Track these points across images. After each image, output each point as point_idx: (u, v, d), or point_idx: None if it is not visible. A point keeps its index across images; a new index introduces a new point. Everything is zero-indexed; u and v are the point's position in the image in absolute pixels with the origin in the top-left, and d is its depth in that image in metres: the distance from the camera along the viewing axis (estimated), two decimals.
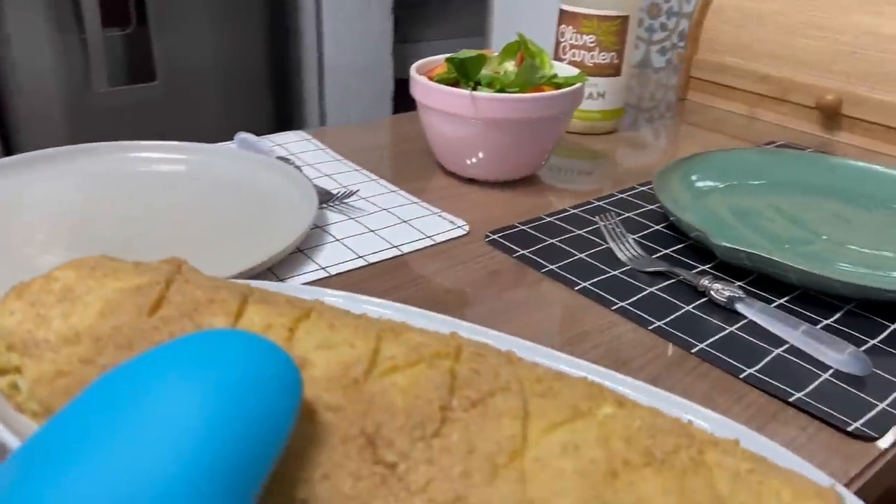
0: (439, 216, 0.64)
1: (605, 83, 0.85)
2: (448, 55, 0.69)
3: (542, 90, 0.68)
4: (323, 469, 0.26)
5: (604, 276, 0.56)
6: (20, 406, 0.30)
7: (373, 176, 0.72)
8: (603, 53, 0.83)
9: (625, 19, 0.82)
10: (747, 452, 0.29)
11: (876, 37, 0.86)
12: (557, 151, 0.84)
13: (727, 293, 0.52)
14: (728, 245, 0.54)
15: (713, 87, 1.02)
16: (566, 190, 0.74)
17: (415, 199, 0.67)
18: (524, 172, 0.73)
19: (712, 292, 0.53)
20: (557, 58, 0.86)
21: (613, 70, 0.85)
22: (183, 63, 1.91)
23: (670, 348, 0.48)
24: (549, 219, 0.65)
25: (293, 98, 2.24)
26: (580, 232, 0.63)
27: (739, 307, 0.51)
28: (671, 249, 0.61)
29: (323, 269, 0.54)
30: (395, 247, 0.58)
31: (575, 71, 0.73)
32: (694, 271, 0.57)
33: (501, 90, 0.66)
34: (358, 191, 0.67)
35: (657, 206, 0.68)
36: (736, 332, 0.50)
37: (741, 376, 0.45)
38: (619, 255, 0.59)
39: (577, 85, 0.69)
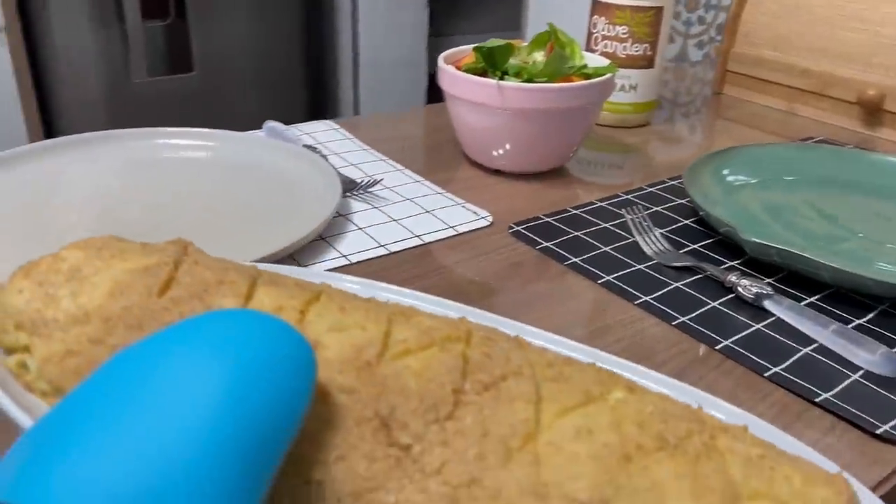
0: (463, 207, 0.64)
1: (637, 75, 0.84)
2: (476, 45, 0.68)
3: (572, 81, 0.67)
4: (338, 451, 0.26)
5: (628, 270, 0.55)
6: (29, 385, 0.30)
7: (398, 166, 0.72)
8: (636, 45, 0.82)
9: (659, 10, 0.80)
10: (756, 438, 0.29)
11: None
12: (587, 144, 0.83)
13: (755, 290, 0.51)
14: (758, 241, 0.53)
15: (750, 82, 0.99)
16: (594, 183, 0.72)
17: (439, 190, 0.67)
18: (551, 164, 0.72)
19: (739, 288, 0.51)
20: (589, 49, 0.84)
21: (646, 62, 0.83)
22: (220, 54, 1.93)
23: (702, 349, 0.47)
24: (574, 211, 0.64)
25: (327, 90, 2.25)
26: (606, 225, 0.62)
27: (767, 304, 0.50)
28: (699, 244, 0.59)
29: (344, 256, 0.54)
30: (417, 236, 0.58)
31: (605, 62, 0.72)
32: (722, 267, 0.55)
33: (529, 80, 0.65)
34: (382, 180, 0.67)
35: (687, 201, 0.67)
36: (763, 329, 0.48)
37: (766, 374, 0.44)
38: (646, 248, 0.58)
39: (607, 76, 0.68)
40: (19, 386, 0.30)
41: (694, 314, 0.50)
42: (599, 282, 0.53)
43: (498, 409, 0.27)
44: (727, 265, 0.56)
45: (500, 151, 0.70)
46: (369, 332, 0.30)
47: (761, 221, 0.62)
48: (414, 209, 0.62)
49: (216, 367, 0.23)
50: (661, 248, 0.58)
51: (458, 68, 0.69)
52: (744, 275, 0.53)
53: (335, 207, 0.57)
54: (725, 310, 0.50)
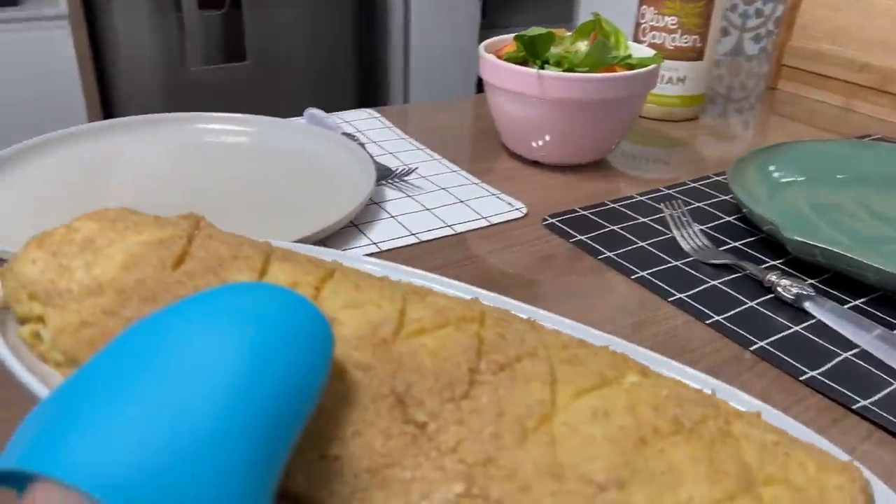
0: (497, 197, 0.63)
1: (685, 67, 0.81)
2: (517, 33, 0.67)
3: (615, 71, 0.66)
4: (354, 427, 0.26)
5: (664, 266, 0.54)
6: (43, 355, 0.31)
7: (435, 155, 0.71)
8: (685, 36, 0.80)
9: (710, 1, 0.78)
10: (770, 425, 0.29)
11: None
12: (631, 137, 0.81)
13: (795, 290, 0.49)
14: (801, 239, 0.51)
15: (806, 76, 0.96)
16: (636, 177, 0.71)
17: (475, 180, 0.66)
18: (592, 157, 0.71)
19: (779, 288, 0.49)
20: (637, 40, 0.82)
21: (695, 54, 0.81)
22: (272, 44, 1.96)
23: (747, 353, 0.45)
24: (612, 205, 0.63)
25: (378, 81, 2.26)
26: (644, 220, 0.61)
27: (808, 306, 0.48)
28: (740, 242, 0.57)
29: (374, 244, 0.54)
30: (449, 226, 0.57)
31: (651, 52, 0.70)
32: (762, 266, 0.53)
33: (570, 69, 0.64)
34: (416, 168, 0.66)
35: (730, 198, 0.65)
36: (801, 331, 0.46)
37: (802, 378, 0.42)
38: (683, 245, 0.56)
39: (651, 67, 0.66)
40: (33, 356, 0.31)
41: (729, 313, 0.48)
42: (633, 277, 0.52)
43: (514, 389, 0.27)
44: (768, 264, 0.54)
45: (540, 143, 0.69)
46: (385, 310, 0.30)
47: (807, 220, 0.60)
48: (448, 199, 0.62)
49: (234, 339, 0.23)
50: (700, 244, 0.56)
51: (500, 57, 0.68)
52: (785, 275, 0.51)
53: (368, 195, 0.57)
54: (763, 310, 0.48)
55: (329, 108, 0.82)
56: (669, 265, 0.54)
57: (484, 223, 0.58)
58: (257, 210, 0.57)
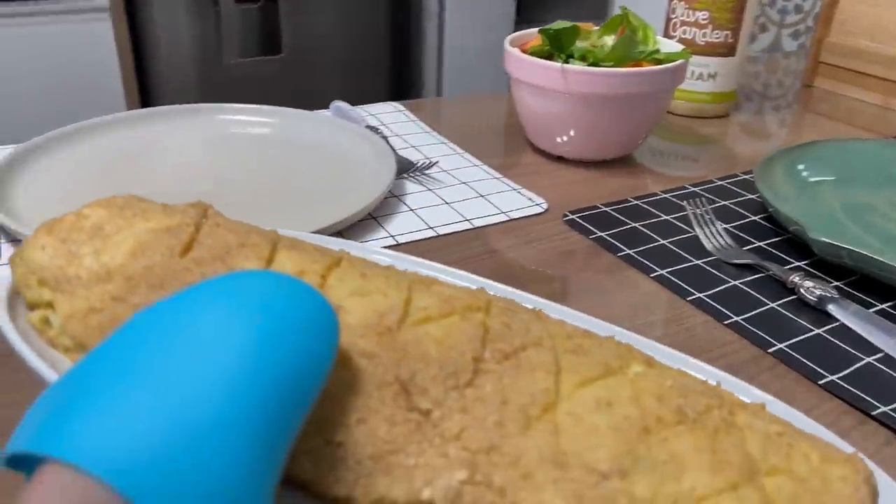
0: (519, 193, 0.62)
1: (716, 63, 0.80)
2: (542, 27, 0.66)
3: (641, 66, 0.65)
4: (359, 414, 0.26)
5: (685, 264, 0.53)
6: (52, 341, 0.31)
7: (458, 149, 0.71)
8: (716, 31, 0.78)
9: None
10: (774, 416, 0.29)
11: None
12: (659, 133, 0.80)
13: (819, 292, 0.47)
14: (827, 240, 0.49)
15: (844, 74, 0.93)
16: (662, 174, 0.70)
17: (497, 175, 0.66)
18: (617, 153, 0.70)
19: (802, 290, 0.48)
20: (667, 35, 0.81)
21: (727, 49, 0.79)
22: (307, 38, 1.97)
23: (766, 355, 0.44)
24: (635, 202, 0.62)
25: (412, 77, 2.26)
26: (667, 217, 0.60)
27: (831, 308, 0.47)
28: (765, 242, 0.56)
29: (392, 236, 0.54)
30: (468, 220, 0.57)
31: (679, 48, 0.69)
32: (786, 267, 0.52)
33: (594, 64, 0.63)
34: (437, 162, 0.66)
35: (757, 196, 0.63)
36: (823, 334, 0.45)
37: (821, 382, 0.41)
38: (706, 243, 0.55)
39: (679, 62, 0.65)
40: (42, 341, 0.31)
41: (749, 314, 0.47)
42: (652, 275, 0.51)
43: (518, 378, 0.27)
44: (792, 265, 0.53)
45: (564, 138, 0.68)
46: (390, 299, 0.30)
47: (837, 221, 0.58)
48: (468, 193, 0.62)
49: (241, 325, 0.23)
50: (723, 243, 0.55)
51: (525, 52, 0.67)
52: (809, 276, 0.49)
53: (387, 188, 0.57)
54: (785, 312, 0.47)
55: (362, 102, 0.82)
56: (690, 264, 0.53)
57: (503, 218, 0.58)
58: (276, 200, 0.57)
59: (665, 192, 0.64)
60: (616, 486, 0.24)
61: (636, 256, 0.53)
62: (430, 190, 0.62)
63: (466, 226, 0.57)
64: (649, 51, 0.66)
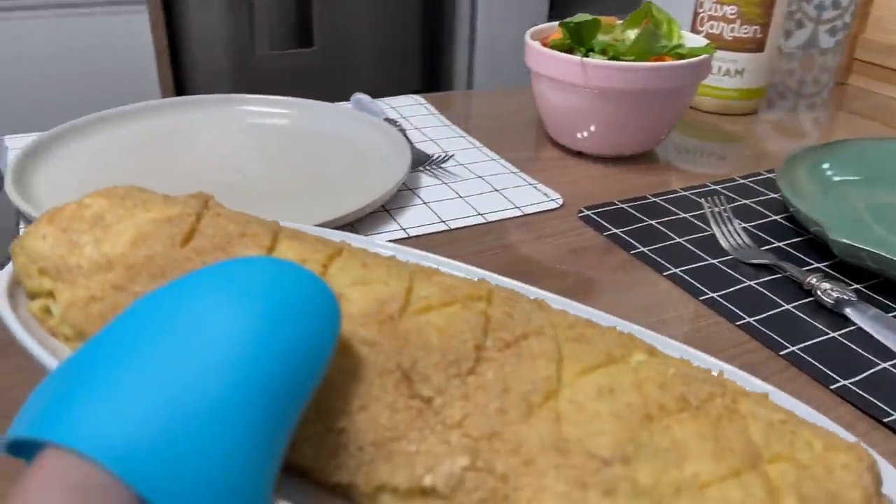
0: (535, 188, 0.62)
1: (744, 59, 0.78)
2: (563, 20, 0.65)
3: (663, 61, 0.64)
4: (360, 401, 0.26)
5: (699, 263, 0.52)
6: (53, 330, 0.31)
7: (477, 143, 0.71)
8: (745, 26, 0.76)
9: None
10: (777, 405, 0.29)
11: None
12: (684, 130, 0.78)
13: (836, 295, 0.46)
14: (847, 242, 0.48)
15: (880, 71, 0.90)
16: (684, 171, 0.68)
17: (514, 170, 0.65)
18: (638, 149, 0.69)
19: (819, 292, 0.47)
20: (695, 30, 0.79)
21: (755, 45, 0.77)
22: (339, 30, 1.98)
23: (778, 357, 0.43)
24: (654, 199, 0.61)
25: (443, 70, 2.25)
26: (685, 215, 0.58)
27: (849, 311, 0.45)
28: (785, 242, 0.55)
29: (403, 229, 0.54)
30: (481, 214, 0.57)
31: (703, 42, 0.67)
32: (805, 268, 0.51)
33: (615, 58, 0.62)
34: (453, 155, 0.66)
35: (779, 196, 0.62)
36: (838, 338, 0.44)
37: (832, 387, 0.40)
38: (722, 242, 0.54)
39: (702, 57, 0.63)
40: (43, 330, 0.31)
41: (762, 315, 0.46)
42: (665, 274, 0.50)
43: (519, 366, 0.27)
44: (811, 267, 0.51)
45: (585, 134, 0.67)
46: (392, 288, 0.30)
47: (861, 222, 0.56)
48: (483, 187, 0.61)
49: (241, 310, 0.23)
50: (741, 242, 0.54)
51: (545, 45, 0.67)
52: (828, 278, 0.48)
53: (400, 180, 0.56)
54: (800, 314, 0.46)
55: (393, 95, 0.82)
56: (705, 263, 0.52)
57: (517, 213, 0.58)
58: (289, 190, 0.58)
59: (685, 189, 0.63)
60: (618, 473, 0.24)
61: (650, 254, 0.53)
62: (444, 183, 0.61)
63: (479, 220, 0.56)
64: (672, 45, 0.64)
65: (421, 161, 0.64)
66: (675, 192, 0.63)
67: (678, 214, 0.59)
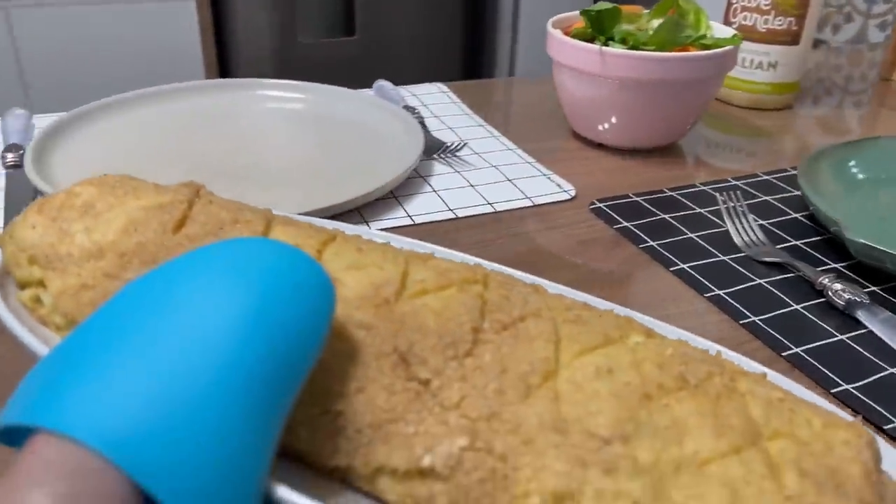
0: (548, 178, 0.61)
1: (778, 52, 0.75)
2: (584, 8, 0.64)
3: (688, 51, 0.62)
4: (357, 383, 0.26)
5: (709, 259, 0.50)
6: (43, 319, 0.31)
7: (496, 132, 0.70)
8: (779, 18, 0.74)
9: None
10: (775, 384, 0.28)
11: None
12: (711, 123, 0.76)
13: (848, 296, 0.44)
14: (864, 242, 0.46)
15: None
16: (708, 165, 0.67)
17: (530, 160, 0.64)
18: (660, 141, 0.67)
19: (830, 293, 0.45)
20: (727, 22, 0.77)
21: (790, 38, 0.75)
22: (381, 19, 1.98)
23: (789, 370, 0.42)
24: (670, 193, 0.60)
25: (484, 59, 2.24)
26: (700, 210, 0.57)
27: (860, 314, 0.44)
28: (803, 241, 0.53)
29: (409, 216, 0.54)
30: (490, 203, 0.56)
31: (730, 33, 0.65)
32: (819, 268, 0.49)
33: (635, 47, 0.61)
34: (466, 144, 0.65)
35: (802, 193, 0.60)
36: (847, 341, 0.42)
37: (833, 390, 0.38)
38: (736, 238, 0.52)
39: (726, 48, 0.61)
40: (34, 320, 0.31)
41: (768, 315, 0.44)
42: (672, 269, 0.49)
43: (517, 347, 0.27)
44: (828, 267, 0.50)
45: (605, 125, 0.66)
46: (387, 272, 0.30)
47: (885, 222, 0.54)
48: (496, 176, 0.61)
49: (234, 291, 0.22)
50: (754, 239, 0.52)
51: (567, 34, 0.65)
52: (842, 279, 0.46)
53: (409, 167, 0.56)
54: (809, 315, 0.45)
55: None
56: (715, 259, 0.50)
57: (527, 203, 0.57)
58: (299, 174, 0.58)
59: (705, 184, 0.62)
60: (618, 452, 0.24)
61: (658, 248, 0.51)
62: (457, 172, 0.61)
63: (487, 209, 0.56)
64: (696, 36, 0.63)
65: (435, 148, 0.63)
66: (693, 186, 0.61)
67: (693, 209, 0.57)
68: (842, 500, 0.24)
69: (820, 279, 0.46)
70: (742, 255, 0.51)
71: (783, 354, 0.41)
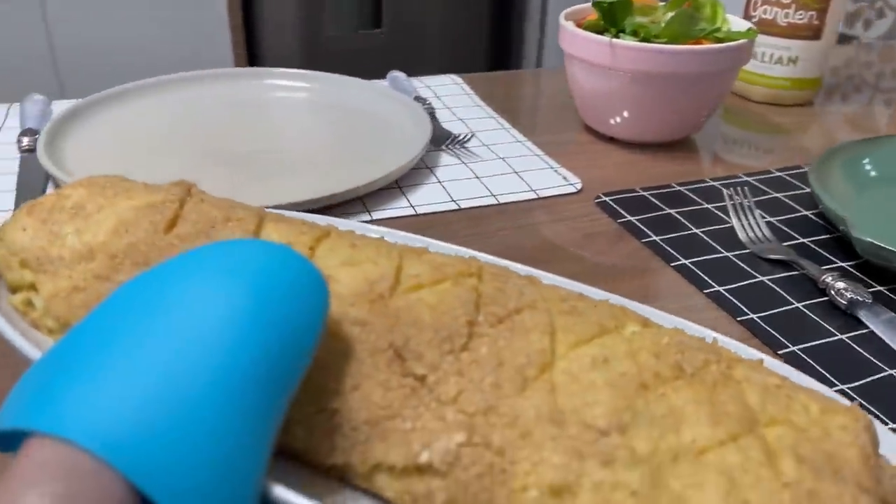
0: (555, 171, 0.60)
1: (799, 47, 0.74)
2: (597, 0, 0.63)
3: (700, 44, 0.61)
4: (353, 380, 0.26)
5: (712, 255, 0.49)
6: (35, 323, 0.31)
7: (506, 124, 0.69)
8: (800, 12, 0.72)
9: None
10: (771, 371, 0.28)
11: None
12: (728, 118, 0.75)
13: (850, 295, 0.43)
14: (871, 240, 0.45)
15: None
16: (721, 160, 0.66)
17: (538, 152, 0.64)
18: (672, 136, 0.66)
19: (833, 292, 0.44)
20: (747, 16, 0.76)
21: (811, 32, 0.73)
22: (408, 11, 1.98)
23: (776, 357, 0.41)
24: (678, 188, 0.59)
25: (512, 52, 2.23)
26: (707, 206, 0.56)
27: (862, 314, 0.43)
28: (811, 239, 0.52)
29: (411, 206, 0.54)
30: (493, 195, 0.56)
31: (746, 27, 0.64)
32: (825, 267, 0.48)
33: (646, 40, 0.60)
34: (474, 135, 0.65)
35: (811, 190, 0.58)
36: (847, 340, 0.41)
37: (830, 391, 0.38)
38: (741, 235, 0.52)
39: (740, 42, 0.60)
40: (26, 323, 0.31)
41: (768, 312, 0.44)
42: (673, 264, 0.49)
43: (513, 340, 0.27)
44: (833, 266, 0.49)
45: (617, 119, 0.65)
46: (381, 267, 0.30)
47: None
48: (502, 168, 0.60)
49: (227, 292, 0.23)
50: (760, 236, 0.51)
51: (580, 26, 0.65)
52: (846, 278, 0.45)
53: (415, 157, 0.56)
54: (810, 313, 0.44)
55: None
56: (718, 255, 0.49)
57: (532, 196, 0.56)
58: (304, 163, 0.58)
59: (715, 179, 0.61)
60: (615, 442, 0.24)
61: (661, 243, 0.51)
62: (463, 163, 0.61)
63: (491, 201, 0.55)
64: (709, 29, 0.62)
65: (443, 139, 0.63)
66: (703, 181, 0.60)
67: (700, 205, 0.56)
68: (839, 484, 0.24)
69: (822, 277, 0.45)
70: (746, 251, 0.50)
71: (780, 352, 0.40)
